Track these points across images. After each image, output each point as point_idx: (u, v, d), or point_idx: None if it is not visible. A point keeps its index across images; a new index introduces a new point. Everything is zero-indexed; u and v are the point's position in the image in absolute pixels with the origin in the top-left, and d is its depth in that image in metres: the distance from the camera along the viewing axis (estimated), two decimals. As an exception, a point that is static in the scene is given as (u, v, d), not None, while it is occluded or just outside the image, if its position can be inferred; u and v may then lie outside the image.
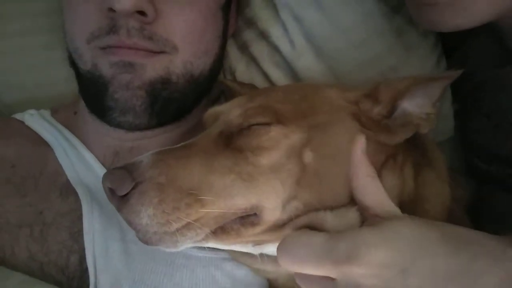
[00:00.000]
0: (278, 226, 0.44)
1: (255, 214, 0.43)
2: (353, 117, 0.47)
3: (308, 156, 0.43)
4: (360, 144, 0.43)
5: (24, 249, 0.53)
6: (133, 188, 0.41)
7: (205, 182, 0.42)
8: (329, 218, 0.41)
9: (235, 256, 0.53)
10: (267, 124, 0.44)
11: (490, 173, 0.62)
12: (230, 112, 0.48)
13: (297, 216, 0.43)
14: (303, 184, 0.43)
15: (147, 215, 0.40)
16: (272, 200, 0.42)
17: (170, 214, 0.40)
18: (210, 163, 0.43)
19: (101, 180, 0.56)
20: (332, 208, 0.42)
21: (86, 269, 0.52)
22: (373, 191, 0.41)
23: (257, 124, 0.44)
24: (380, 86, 0.48)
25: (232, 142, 0.45)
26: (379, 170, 0.45)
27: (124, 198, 0.41)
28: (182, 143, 0.46)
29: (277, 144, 0.43)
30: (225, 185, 0.42)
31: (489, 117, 0.63)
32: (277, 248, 0.40)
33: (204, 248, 0.54)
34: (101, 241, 0.53)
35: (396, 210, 0.41)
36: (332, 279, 0.38)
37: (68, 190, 0.57)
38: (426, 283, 0.36)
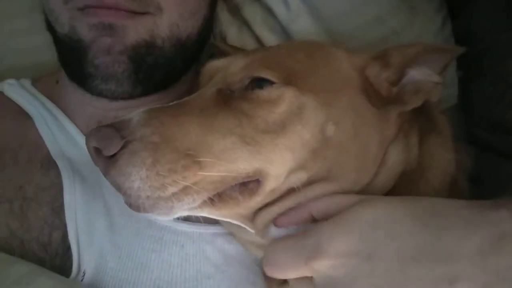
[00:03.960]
0: (273, 200, 0.42)
1: (256, 180, 0.40)
2: (362, 91, 0.44)
3: (330, 130, 0.41)
4: None
5: (4, 226, 0.50)
6: (122, 148, 0.37)
7: (204, 142, 0.38)
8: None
9: (227, 227, 0.51)
10: (273, 82, 0.41)
11: (491, 142, 0.60)
12: (230, 66, 0.45)
13: (297, 187, 0.41)
14: (318, 157, 0.41)
15: (139, 177, 0.36)
16: (278, 167, 0.40)
17: (165, 177, 0.36)
18: (208, 122, 0.40)
19: (83, 152, 0.54)
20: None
21: (69, 245, 0.49)
22: (323, 204, 0.41)
23: (262, 79, 0.41)
24: (391, 50, 0.46)
25: (233, 101, 0.42)
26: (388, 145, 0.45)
27: (112, 158, 0.37)
28: (176, 101, 0.42)
29: (291, 111, 0.40)
30: (226, 147, 0.39)
31: (494, 85, 0.61)
32: (263, 261, 0.40)
33: (194, 222, 0.52)
34: (84, 216, 0.51)
35: (355, 197, 0.40)
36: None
37: (49, 163, 0.54)
38: (394, 265, 0.35)
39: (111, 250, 0.50)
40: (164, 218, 0.40)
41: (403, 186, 0.45)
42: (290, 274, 0.39)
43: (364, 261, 0.35)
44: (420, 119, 0.48)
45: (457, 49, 0.47)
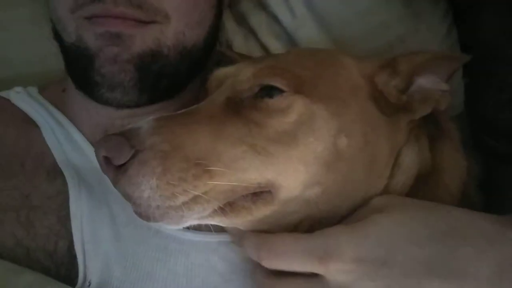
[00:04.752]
0: (288, 213, 0.41)
1: (269, 191, 0.40)
2: (371, 99, 0.44)
3: (342, 141, 0.40)
4: None
5: (10, 235, 0.50)
6: (132, 157, 0.37)
7: (214, 151, 0.38)
8: None
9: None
10: (283, 90, 0.40)
11: (497, 149, 0.60)
12: (239, 73, 0.45)
13: (314, 201, 0.41)
14: (332, 170, 0.40)
15: (149, 187, 0.36)
16: (291, 180, 0.39)
17: (175, 186, 0.36)
18: (218, 131, 0.39)
19: (89, 160, 0.54)
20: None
21: (75, 255, 0.49)
22: None
23: (272, 87, 0.41)
24: (399, 58, 0.45)
25: (242, 109, 0.41)
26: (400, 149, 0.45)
27: (122, 168, 0.37)
28: (185, 110, 0.42)
29: (302, 121, 0.40)
30: (236, 156, 0.38)
31: (501, 90, 0.60)
32: (258, 244, 0.40)
33: (200, 231, 0.51)
34: (90, 226, 0.50)
35: (373, 204, 0.40)
36: (316, 277, 0.38)
37: (55, 172, 0.54)
38: (410, 274, 0.35)
39: (117, 260, 0.49)
40: (173, 227, 0.40)
41: (419, 190, 0.44)
42: (294, 266, 0.38)
43: (377, 268, 0.35)
44: (429, 126, 0.48)
45: (464, 57, 0.47)
